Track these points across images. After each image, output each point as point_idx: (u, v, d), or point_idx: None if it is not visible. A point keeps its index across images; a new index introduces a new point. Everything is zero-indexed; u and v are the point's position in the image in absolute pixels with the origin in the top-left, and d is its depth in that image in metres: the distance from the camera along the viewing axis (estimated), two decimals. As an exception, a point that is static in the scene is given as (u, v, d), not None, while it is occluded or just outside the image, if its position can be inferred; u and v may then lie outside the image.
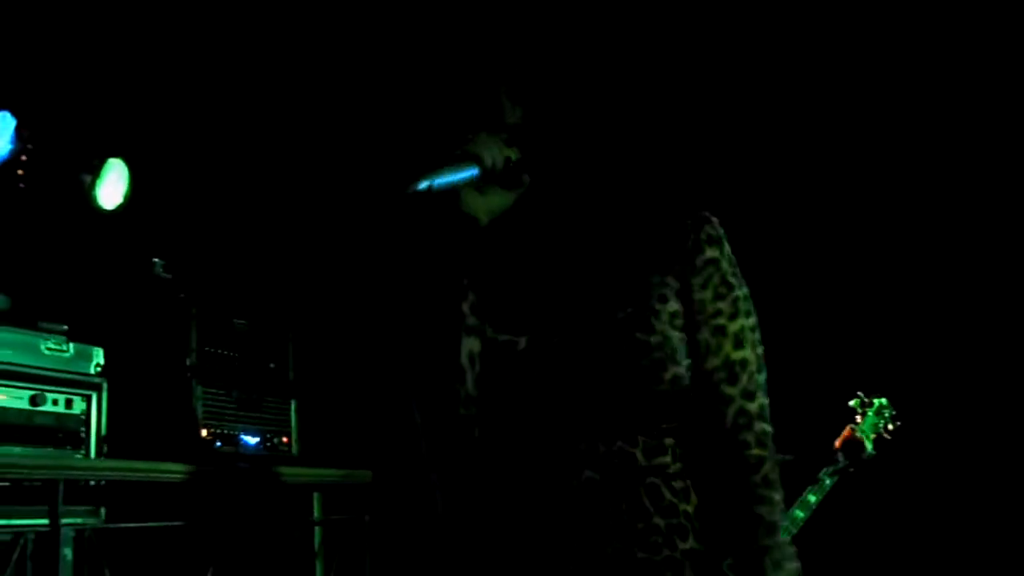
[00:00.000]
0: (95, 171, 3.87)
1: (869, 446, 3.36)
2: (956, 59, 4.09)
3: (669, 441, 1.64)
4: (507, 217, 1.69)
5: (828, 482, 3.29)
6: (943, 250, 4.53)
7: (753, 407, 1.66)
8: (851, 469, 3.34)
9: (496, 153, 1.62)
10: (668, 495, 1.61)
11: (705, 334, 1.66)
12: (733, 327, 1.67)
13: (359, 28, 4.14)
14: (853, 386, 3.60)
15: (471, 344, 1.68)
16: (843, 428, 3.45)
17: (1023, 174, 4.31)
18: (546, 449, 1.60)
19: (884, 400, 3.54)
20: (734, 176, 4.47)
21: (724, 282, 1.68)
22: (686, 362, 1.64)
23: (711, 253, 1.68)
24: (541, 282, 1.72)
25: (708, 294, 1.67)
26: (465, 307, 1.70)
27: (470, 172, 1.60)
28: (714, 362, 1.66)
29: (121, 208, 3.96)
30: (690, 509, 1.63)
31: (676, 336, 1.63)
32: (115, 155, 3.94)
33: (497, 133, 1.66)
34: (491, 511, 1.64)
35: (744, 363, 1.67)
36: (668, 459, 1.63)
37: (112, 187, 3.94)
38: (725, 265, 1.69)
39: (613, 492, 1.58)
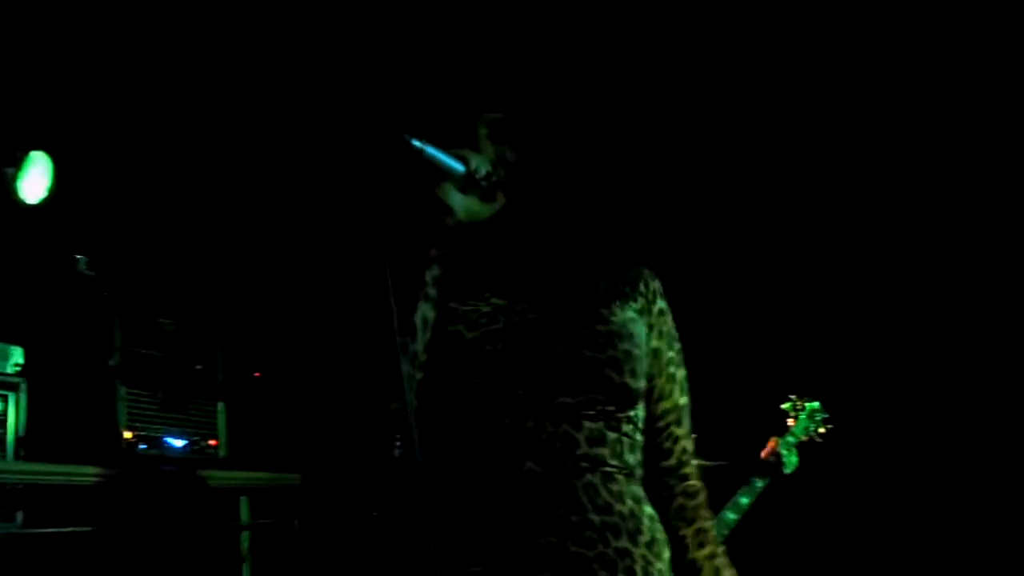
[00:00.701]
0: (17, 164, 3.76)
1: (789, 463, 3.37)
2: (918, 71, 4.16)
3: (612, 436, 1.68)
4: (482, 227, 1.78)
5: (759, 484, 3.30)
6: (872, 252, 4.61)
7: (691, 446, 1.87)
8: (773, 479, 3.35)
9: (482, 163, 1.73)
10: (604, 494, 1.65)
11: (660, 380, 1.82)
12: (680, 375, 1.85)
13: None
14: (786, 389, 3.62)
15: (425, 310, 1.73)
16: (771, 435, 3.46)
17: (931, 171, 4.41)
18: (492, 429, 1.65)
19: (816, 404, 3.57)
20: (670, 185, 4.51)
21: (672, 333, 1.85)
22: (643, 383, 1.74)
23: (663, 304, 1.84)
24: (512, 275, 1.81)
25: (663, 343, 1.83)
26: (428, 276, 1.75)
27: (457, 165, 1.69)
28: (666, 406, 1.83)
29: (44, 202, 3.84)
30: (625, 511, 1.67)
31: (643, 350, 1.75)
32: (39, 148, 3.83)
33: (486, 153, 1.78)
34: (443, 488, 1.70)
35: (687, 408, 1.86)
36: (606, 452, 1.66)
37: (35, 181, 3.82)
38: (671, 318, 1.86)
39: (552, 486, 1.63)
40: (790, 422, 3.55)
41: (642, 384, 1.73)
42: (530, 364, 1.66)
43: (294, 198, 4.61)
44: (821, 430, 3.53)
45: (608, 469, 1.66)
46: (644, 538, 1.66)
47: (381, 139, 1.70)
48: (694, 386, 1.84)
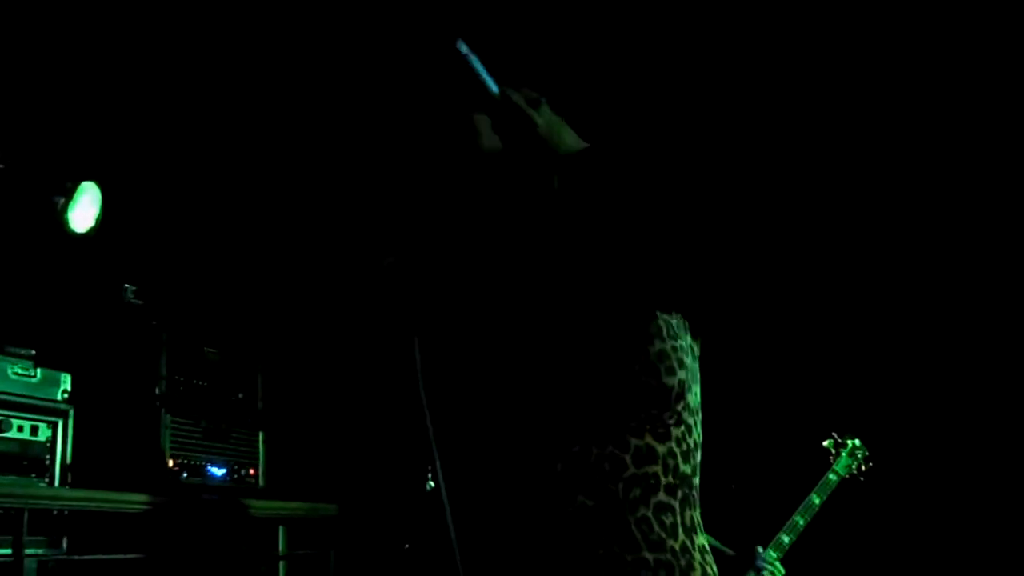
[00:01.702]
0: (68, 194, 3.81)
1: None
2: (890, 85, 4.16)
3: (662, 449, 1.68)
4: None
5: (817, 501, 3.31)
6: (910, 291, 4.60)
7: None
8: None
9: (517, 100, 1.67)
10: (657, 529, 1.65)
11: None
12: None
13: (334, 56, 4.12)
14: (828, 427, 3.62)
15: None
16: (820, 469, 3.46)
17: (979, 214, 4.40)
18: (536, 457, 1.64)
19: (857, 441, 3.56)
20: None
21: None
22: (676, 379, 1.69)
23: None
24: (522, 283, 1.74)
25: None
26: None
27: (493, 85, 1.66)
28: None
29: (93, 232, 3.89)
30: None
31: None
32: (88, 178, 3.89)
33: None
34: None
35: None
36: (658, 469, 1.67)
37: (84, 210, 3.87)
38: None
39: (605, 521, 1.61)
40: (831, 459, 3.54)
41: (675, 380, 1.66)
42: (558, 385, 1.64)
43: (336, 232, 4.65)
44: (863, 467, 3.52)
45: (661, 499, 1.65)
46: (696, 574, 1.65)
47: (431, 40, 1.71)
48: (735, 428, 1.78)
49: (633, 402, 1.64)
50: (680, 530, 1.66)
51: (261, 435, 4.27)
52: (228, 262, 4.48)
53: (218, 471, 4.04)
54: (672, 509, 1.66)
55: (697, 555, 1.67)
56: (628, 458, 1.64)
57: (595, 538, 1.60)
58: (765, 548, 3.23)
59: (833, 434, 3.61)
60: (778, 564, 3.19)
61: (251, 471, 4.18)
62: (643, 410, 1.65)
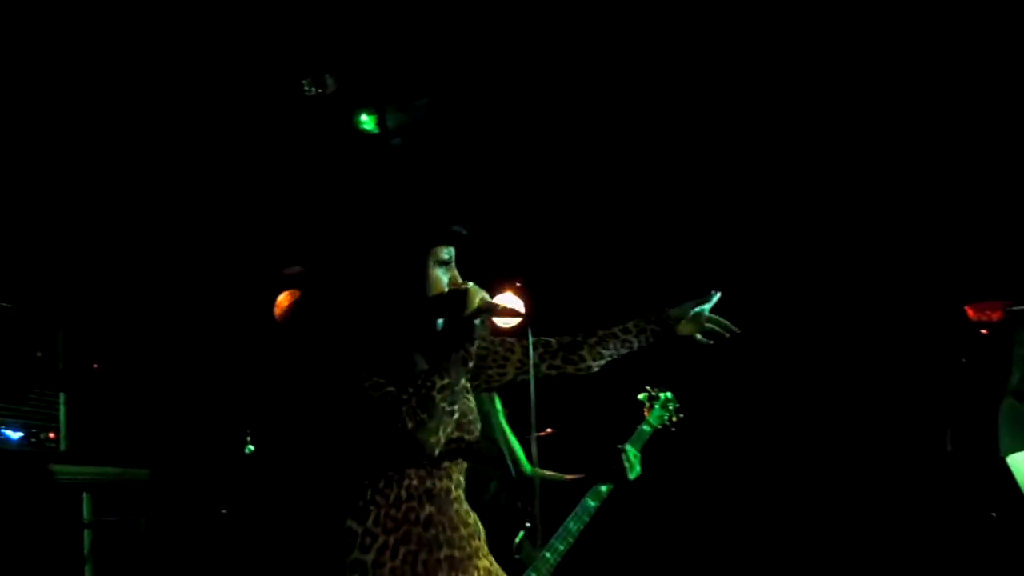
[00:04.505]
0: None
1: (633, 470, 3.40)
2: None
3: None
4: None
5: (603, 490, 3.34)
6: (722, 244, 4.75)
7: None
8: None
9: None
10: None
11: None
12: None
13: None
14: (642, 382, 3.69)
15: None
16: (635, 420, 3.52)
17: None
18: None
19: (669, 394, 3.65)
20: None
21: None
22: None
23: None
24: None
25: None
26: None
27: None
28: None
29: None
30: None
31: None
32: None
33: None
34: None
35: None
36: None
37: None
38: None
39: None
40: (646, 412, 3.61)
41: None
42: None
43: (147, 184, 4.47)
44: (675, 419, 3.61)
45: None
46: None
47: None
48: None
49: None
50: None
51: (63, 396, 4.03)
52: (21, 206, 4.20)
53: (13, 434, 3.80)
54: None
55: None
56: None
57: None
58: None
59: (647, 387, 3.68)
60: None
61: (51, 434, 3.95)
62: None
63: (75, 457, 4.01)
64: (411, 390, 2.07)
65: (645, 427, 3.55)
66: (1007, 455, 3.12)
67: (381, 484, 2.13)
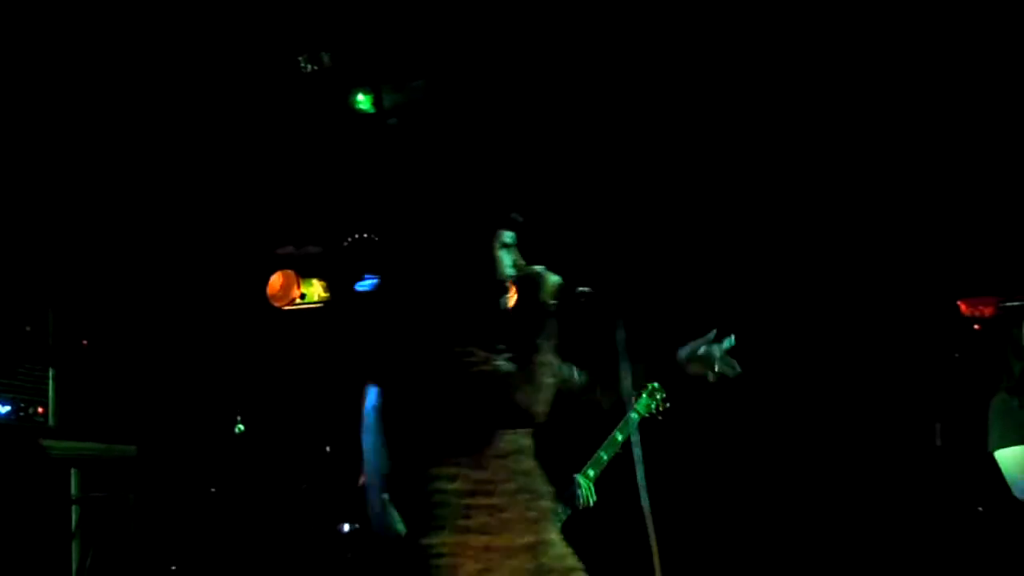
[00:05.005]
0: None
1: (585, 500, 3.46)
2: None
3: None
4: None
5: (620, 438, 3.40)
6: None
7: None
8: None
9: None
10: None
11: None
12: None
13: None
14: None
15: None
16: (623, 408, 3.52)
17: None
18: None
19: (656, 384, 3.65)
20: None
21: None
22: None
23: None
24: None
25: None
26: None
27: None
28: None
29: None
30: None
31: None
32: None
33: None
34: None
35: None
36: None
37: None
38: None
39: None
40: (633, 399, 3.61)
41: None
42: None
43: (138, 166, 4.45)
44: (661, 408, 3.62)
45: None
46: None
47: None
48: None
49: None
50: None
51: (51, 371, 4.02)
52: (10, 177, 4.17)
53: (2, 408, 3.79)
54: None
55: None
56: None
57: None
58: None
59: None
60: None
61: (39, 409, 3.94)
62: None
63: (63, 432, 4.00)
64: (518, 366, 2.26)
65: (633, 415, 3.55)
66: (995, 450, 3.12)
67: (491, 440, 2.29)
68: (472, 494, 2.22)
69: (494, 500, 2.23)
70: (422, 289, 2.39)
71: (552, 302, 2.36)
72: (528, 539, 2.25)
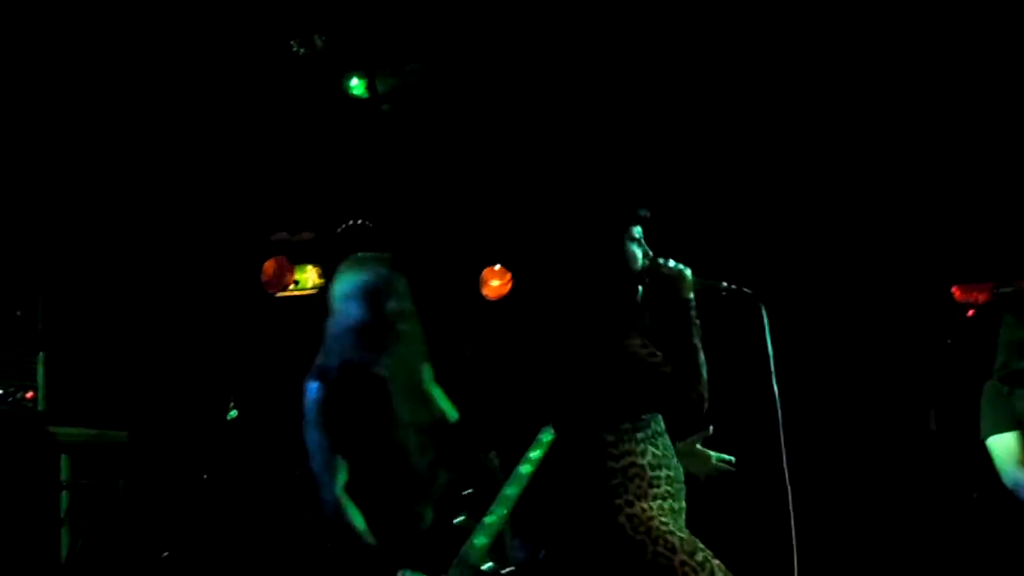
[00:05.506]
0: None
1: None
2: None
3: None
4: None
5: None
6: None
7: None
8: None
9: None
10: None
11: None
12: None
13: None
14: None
15: None
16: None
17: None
18: None
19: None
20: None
21: None
22: None
23: None
24: None
25: None
26: None
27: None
28: None
29: None
30: None
31: None
32: None
33: None
34: None
35: None
36: None
37: None
38: None
39: None
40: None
41: None
42: None
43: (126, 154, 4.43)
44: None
45: None
46: None
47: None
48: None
49: None
50: None
51: (41, 356, 4.01)
52: (5, 170, 4.16)
53: (-11, 393, 3.78)
54: None
55: None
56: None
57: None
58: None
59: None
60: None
61: (29, 394, 3.92)
62: None
63: (53, 418, 3.99)
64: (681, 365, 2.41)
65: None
66: (986, 438, 3.11)
67: (658, 420, 2.48)
68: (656, 467, 2.40)
69: (668, 472, 2.43)
70: (571, 293, 2.50)
71: (691, 296, 2.48)
72: (683, 503, 2.48)
